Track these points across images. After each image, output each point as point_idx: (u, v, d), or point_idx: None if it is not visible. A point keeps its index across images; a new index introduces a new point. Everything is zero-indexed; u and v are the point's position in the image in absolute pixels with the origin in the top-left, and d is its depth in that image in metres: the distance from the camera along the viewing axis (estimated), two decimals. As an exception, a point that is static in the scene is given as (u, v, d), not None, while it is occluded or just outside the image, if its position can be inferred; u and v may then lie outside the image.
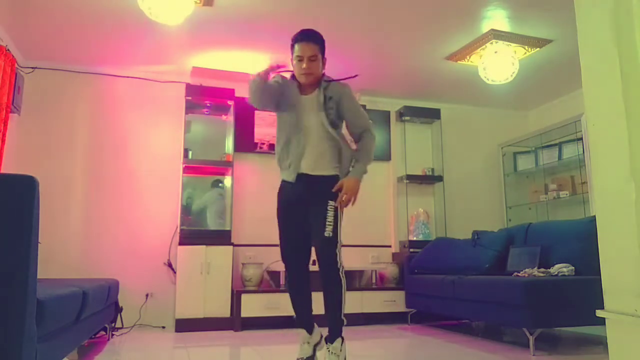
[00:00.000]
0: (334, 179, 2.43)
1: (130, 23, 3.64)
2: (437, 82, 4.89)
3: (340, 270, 2.35)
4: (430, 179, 5.22)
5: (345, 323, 2.37)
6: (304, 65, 2.40)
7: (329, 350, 2.33)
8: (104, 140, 4.43)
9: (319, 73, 2.46)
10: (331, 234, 2.33)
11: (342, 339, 2.37)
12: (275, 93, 2.47)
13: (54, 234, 4.07)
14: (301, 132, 2.43)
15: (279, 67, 2.42)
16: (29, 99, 4.22)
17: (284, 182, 2.53)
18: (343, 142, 2.48)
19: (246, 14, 3.52)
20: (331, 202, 2.38)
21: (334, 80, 2.51)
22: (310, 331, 2.49)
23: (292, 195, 2.47)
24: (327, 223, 2.34)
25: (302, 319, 2.51)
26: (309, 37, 2.42)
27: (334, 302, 2.34)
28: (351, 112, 2.50)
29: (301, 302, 2.51)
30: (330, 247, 2.33)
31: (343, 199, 2.37)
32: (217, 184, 4.66)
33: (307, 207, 2.42)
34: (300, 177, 2.44)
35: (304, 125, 2.44)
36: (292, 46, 2.45)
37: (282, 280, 4.32)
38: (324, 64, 2.49)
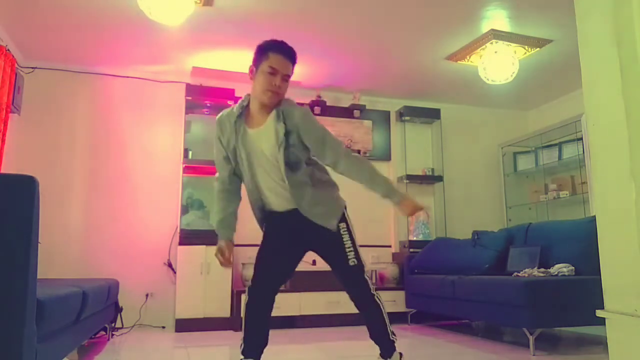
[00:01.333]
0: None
1: (131, 23, 3.64)
2: (437, 82, 4.89)
3: (375, 295, 2.13)
4: (430, 179, 5.22)
5: (395, 339, 2.18)
6: (277, 82, 1.99)
7: None
8: (104, 140, 4.43)
9: (281, 98, 2.07)
10: (355, 262, 2.10)
11: (400, 354, 2.18)
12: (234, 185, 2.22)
13: (54, 234, 4.07)
14: (264, 172, 2.09)
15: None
16: (29, 99, 4.22)
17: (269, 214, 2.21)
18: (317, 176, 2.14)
19: (246, 14, 3.52)
20: (342, 225, 2.12)
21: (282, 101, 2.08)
22: (249, 356, 2.18)
23: (285, 223, 2.17)
24: (348, 250, 2.10)
25: (256, 348, 2.22)
26: (291, 54, 2.05)
27: (379, 328, 2.15)
28: (320, 142, 2.06)
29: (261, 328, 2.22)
30: (358, 277, 2.11)
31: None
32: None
33: (306, 236, 2.15)
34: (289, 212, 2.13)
35: (263, 161, 2.07)
36: (263, 53, 2.02)
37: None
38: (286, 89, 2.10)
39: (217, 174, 2.25)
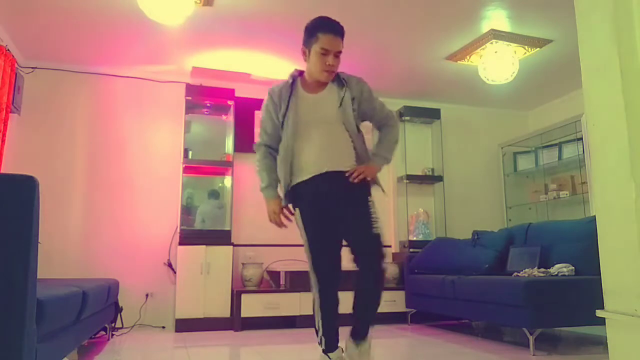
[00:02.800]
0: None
1: (131, 23, 3.64)
2: (437, 82, 4.89)
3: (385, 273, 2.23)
4: (430, 179, 5.22)
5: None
6: (330, 61, 2.09)
7: (361, 351, 2.11)
8: (104, 140, 4.43)
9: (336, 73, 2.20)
10: (380, 231, 2.13)
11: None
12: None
13: (54, 234, 4.07)
14: (320, 127, 2.14)
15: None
16: (29, 99, 4.22)
17: (301, 183, 2.19)
18: (362, 143, 2.23)
19: (246, 14, 3.52)
20: (370, 198, 2.19)
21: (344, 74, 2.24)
22: (331, 349, 2.17)
23: (321, 194, 2.16)
24: (373, 218, 2.13)
25: (337, 337, 2.19)
26: (340, 31, 2.11)
27: (375, 308, 2.17)
28: (375, 104, 2.27)
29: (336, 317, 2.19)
30: (379, 247, 2.12)
31: (357, 173, 2.11)
32: (214, 194, 4.64)
33: (338, 207, 2.16)
34: (325, 175, 2.14)
35: (321, 121, 2.15)
36: (312, 34, 2.10)
37: (282, 280, 4.32)
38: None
39: (260, 141, 2.32)
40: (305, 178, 2.16)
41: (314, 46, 2.10)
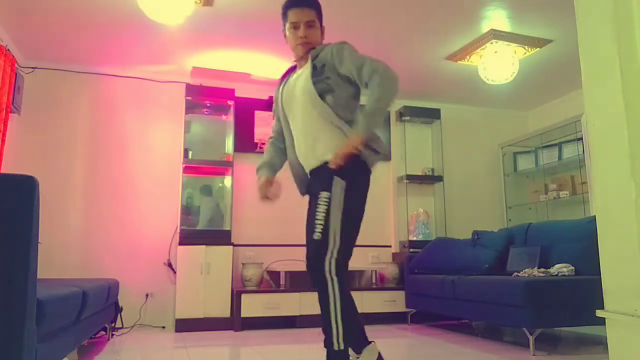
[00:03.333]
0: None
1: (130, 23, 3.64)
2: (437, 82, 4.89)
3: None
4: (430, 179, 5.22)
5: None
6: (301, 33, 2.05)
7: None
8: (104, 140, 4.43)
9: (319, 42, 2.11)
10: (320, 236, 1.88)
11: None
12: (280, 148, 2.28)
13: (54, 234, 4.07)
14: (296, 112, 2.08)
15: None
16: (29, 99, 4.22)
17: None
18: (339, 115, 1.99)
19: (246, 14, 3.52)
20: (324, 193, 1.92)
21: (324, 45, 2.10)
22: (359, 350, 2.01)
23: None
24: (317, 221, 1.90)
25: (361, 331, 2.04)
26: (305, 2, 2.08)
27: (327, 315, 1.93)
28: (352, 63, 1.99)
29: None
30: (318, 254, 1.90)
31: (332, 163, 1.90)
32: (206, 191, 4.64)
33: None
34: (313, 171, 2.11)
35: (293, 108, 2.10)
36: (284, 15, 2.11)
37: (282, 280, 4.32)
38: (322, 32, 2.15)
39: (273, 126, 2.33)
40: (309, 170, 2.13)
41: (286, 24, 2.12)
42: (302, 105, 2.06)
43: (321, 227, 1.88)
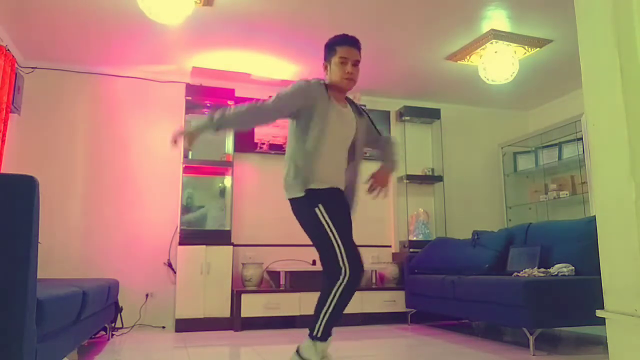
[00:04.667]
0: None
1: (130, 23, 3.64)
2: (437, 82, 4.89)
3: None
4: (430, 179, 5.22)
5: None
6: (349, 70, 2.32)
7: (297, 352, 2.24)
8: (104, 140, 4.43)
9: (356, 83, 2.42)
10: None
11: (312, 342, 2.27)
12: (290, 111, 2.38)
13: (54, 234, 4.07)
14: (345, 144, 2.40)
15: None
16: (29, 99, 4.22)
17: (334, 189, 2.33)
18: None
19: (246, 14, 3.52)
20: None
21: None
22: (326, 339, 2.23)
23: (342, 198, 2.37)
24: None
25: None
26: (356, 43, 2.37)
27: (319, 303, 2.27)
28: (376, 132, 2.61)
29: None
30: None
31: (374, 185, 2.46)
32: (219, 192, 4.65)
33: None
34: (339, 189, 2.37)
35: (346, 137, 2.39)
36: (331, 48, 2.36)
37: (282, 280, 4.33)
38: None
39: (270, 104, 2.32)
40: (323, 187, 2.28)
41: (334, 58, 2.35)
42: (345, 144, 2.39)
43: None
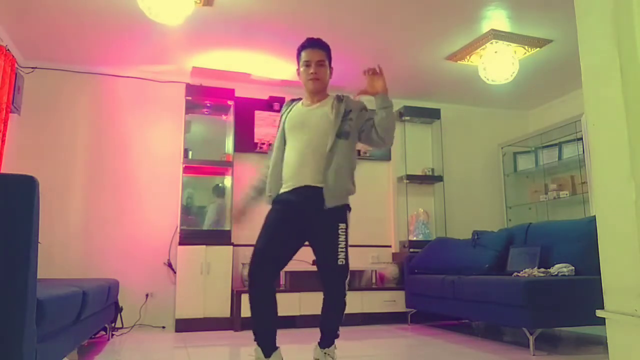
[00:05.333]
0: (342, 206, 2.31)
1: (130, 23, 3.64)
2: (437, 82, 4.89)
3: (345, 296, 2.34)
4: (430, 179, 5.22)
5: (338, 335, 2.41)
6: (312, 70, 2.37)
7: (326, 354, 2.34)
8: (104, 140, 4.43)
9: (326, 80, 2.43)
10: (344, 262, 2.26)
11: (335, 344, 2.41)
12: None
13: (54, 234, 4.07)
14: (310, 143, 2.32)
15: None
16: (29, 99, 4.22)
17: (281, 194, 2.35)
18: (348, 157, 2.35)
19: (246, 14, 3.52)
20: (342, 225, 2.27)
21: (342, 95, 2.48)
22: (268, 354, 2.18)
23: (291, 205, 2.30)
24: (340, 249, 2.25)
25: (265, 337, 2.23)
26: (316, 43, 2.42)
27: (336, 322, 2.36)
28: (370, 116, 2.43)
29: (268, 318, 2.26)
30: (341, 277, 2.29)
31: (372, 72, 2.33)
32: (218, 191, 4.65)
33: (307, 223, 2.29)
34: (303, 189, 2.29)
35: (314, 135, 2.33)
36: (299, 55, 2.43)
37: (282, 280, 4.32)
38: (331, 72, 2.47)
39: (269, 160, 2.48)
40: (287, 189, 2.33)
41: (300, 63, 2.43)
42: (314, 137, 2.33)
43: (343, 254, 2.26)
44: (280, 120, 2.50)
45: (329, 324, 2.35)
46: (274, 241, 2.27)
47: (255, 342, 2.20)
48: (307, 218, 2.28)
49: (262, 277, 2.21)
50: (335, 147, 2.29)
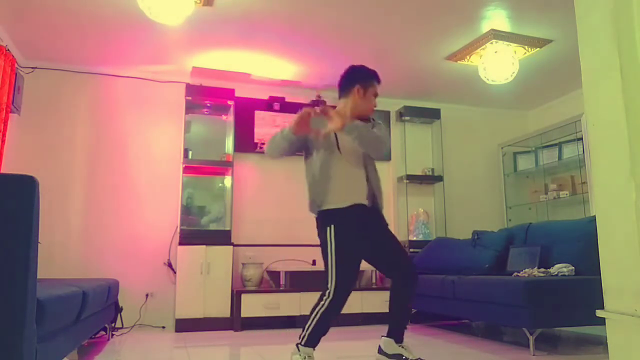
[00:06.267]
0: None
1: (130, 23, 3.64)
2: (437, 82, 4.88)
3: None
4: (430, 179, 5.22)
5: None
6: (375, 104, 2.58)
7: (405, 348, 2.47)
8: (104, 140, 4.43)
9: None
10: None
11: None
12: (300, 144, 2.46)
13: (54, 234, 4.07)
14: (353, 160, 2.47)
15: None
16: (29, 99, 4.22)
17: (347, 208, 2.40)
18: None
19: (246, 14, 3.52)
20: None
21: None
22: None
23: (361, 222, 2.42)
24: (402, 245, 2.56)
25: (319, 340, 2.41)
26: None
27: (409, 308, 2.58)
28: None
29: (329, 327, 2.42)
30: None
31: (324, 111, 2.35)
32: (218, 190, 4.65)
33: (370, 234, 2.45)
34: (362, 206, 2.44)
35: (355, 154, 2.47)
36: (370, 79, 2.55)
37: (282, 280, 4.32)
38: None
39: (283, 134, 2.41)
40: (341, 205, 2.38)
41: (370, 89, 2.54)
42: (359, 159, 2.48)
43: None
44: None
45: (406, 313, 2.55)
46: (356, 276, 2.50)
47: (307, 337, 2.33)
48: (370, 229, 2.49)
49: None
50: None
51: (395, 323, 2.49)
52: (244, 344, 3.48)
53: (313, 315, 2.31)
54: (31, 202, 1.53)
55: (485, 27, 3.78)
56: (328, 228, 2.35)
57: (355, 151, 2.45)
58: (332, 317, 2.31)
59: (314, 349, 2.35)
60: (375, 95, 2.58)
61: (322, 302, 2.29)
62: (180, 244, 4.14)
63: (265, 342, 3.51)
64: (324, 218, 2.39)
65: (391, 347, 2.45)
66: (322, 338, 2.35)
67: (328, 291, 2.28)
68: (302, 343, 2.32)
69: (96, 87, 4.48)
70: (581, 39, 1.85)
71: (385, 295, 4.43)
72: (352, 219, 2.37)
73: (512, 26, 3.77)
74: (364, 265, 4.83)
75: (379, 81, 2.61)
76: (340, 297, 2.30)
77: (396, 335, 2.45)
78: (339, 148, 2.43)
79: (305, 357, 2.31)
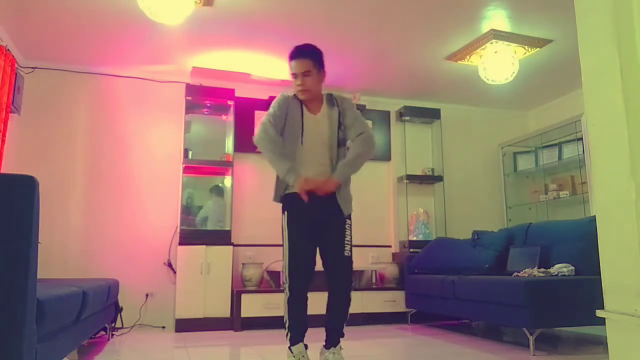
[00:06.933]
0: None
1: (130, 23, 3.64)
2: (437, 82, 4.88)
3: (351, 291, 2.44)
4: (430, 179, 5.22)
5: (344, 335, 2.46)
6: (299, 82, 2.41)
7: (334, 354, 2.37)
8: (104, 140, 4.43)
9: (317, 87, 2.45)
10: (349, 254, 2.40)
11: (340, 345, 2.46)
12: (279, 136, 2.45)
13: (54, 234, 4.07)
14: (314, 151, 2.41)
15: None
16: (29, 99, 4.22)
17: (295, 194, 2.37)
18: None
19: (246, 14, 3.52)
20: (348, 221, 2.43)
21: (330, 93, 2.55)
22: (306, 346, 2.38)
23: (308, 206, 2.35)
24: (346, 242, 2.40)
25: (303, 333, 2.39)
26: (300, 53, 2.42)
27: (342, 320, 2.42)
28: (355, 120, 2.47)
29: (305, 316, 2.40)
30: (349, 267, 2.42)
31: (309, 186, 2.31)
32: (217, 190, 4.65)
33: (321, 222, 2.40)
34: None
35: (318, 143, 2.43)
36: (289, 66, 2.46)
37: (282, 281, 4.32)
38: (322, 77, 2.48)
39: (265, 127, 2.40)
40: (294, 190, 2.36)
41: (291, 74, 2.46)
42: (324, 146, 2.42)
43: (349, 247, 2.41)
44: (283, 116, 2.44)
45: (338, 321, 2.40)
46: (309, 258, 2.44)
47: (293, 342, 2.32)
48: (320, 217, 2.42)
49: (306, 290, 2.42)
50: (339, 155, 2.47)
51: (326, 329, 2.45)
52: (244, 344, 3.48)
53: (283, 308, 2.35)
54: (31, 202, 1.53)
55: (485, 27, 3.78)
56: (282, 215, 2.42)
57: (321, 139, 2.42)
58: (299, 303, 2.32)
59: (305, 345, 2.35)
60: (294, 75, 2.48)
61: (285, 291, 2.34)
62: (180, 244, 4.14)
63: (265, 342, 3.51)
64: (282, 204, 2.44)
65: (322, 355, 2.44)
66: (309, 331, 2.36)
67: (285, 276, 2.34)
68: (290, 344, 2.34)
69: (96, 87, 4.48)
70: (581, 39, 1.84)
71: (386, 295, 4.48)
72: (302, 203, 2.32)
73: (512, 26, 3.77)
74: (364, 265, 4.82)
75: (291, 57, 2.50)
76: (295, 279, 2.30)
77: (326, 340, 2.42)
78: (302, 139, 2.40)
79: (299, 358, 2.30)
